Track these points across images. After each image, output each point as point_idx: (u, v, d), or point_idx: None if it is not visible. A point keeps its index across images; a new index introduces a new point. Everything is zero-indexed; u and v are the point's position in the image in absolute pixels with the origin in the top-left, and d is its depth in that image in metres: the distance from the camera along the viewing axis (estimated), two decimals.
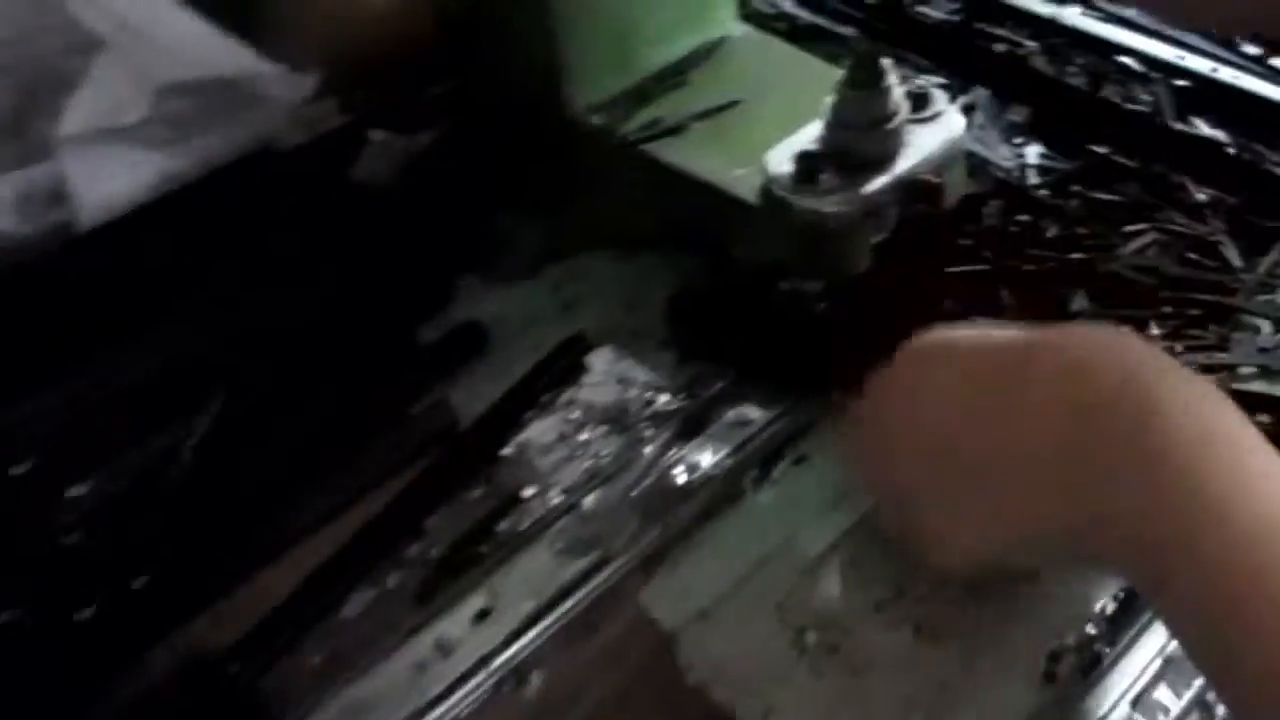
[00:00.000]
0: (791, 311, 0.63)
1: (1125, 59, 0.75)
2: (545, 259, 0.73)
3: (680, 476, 0.60)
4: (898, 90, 0.58)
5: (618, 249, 0.73)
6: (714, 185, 0.62)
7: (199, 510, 0.60)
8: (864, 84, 0.56)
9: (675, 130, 0.66)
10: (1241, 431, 0.37)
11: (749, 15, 0.76)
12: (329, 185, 0.74)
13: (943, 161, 0.59)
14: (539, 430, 0.64)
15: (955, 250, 0.65)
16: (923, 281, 0.64)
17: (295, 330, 0.67)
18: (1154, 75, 0.73)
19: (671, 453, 0.61)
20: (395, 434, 0.64)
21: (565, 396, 0.66)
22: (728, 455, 0.60)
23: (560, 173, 0.71)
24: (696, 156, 0.64)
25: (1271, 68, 0.72)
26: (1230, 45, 0.73)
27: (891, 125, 0.57)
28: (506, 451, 0.63)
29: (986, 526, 0.44)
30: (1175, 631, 0.38)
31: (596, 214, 0.71)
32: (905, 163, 0.58)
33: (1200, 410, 0.37)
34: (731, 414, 0.62)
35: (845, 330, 0.62)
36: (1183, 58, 0.72)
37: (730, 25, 0.73)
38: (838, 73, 0.57)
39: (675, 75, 0.69)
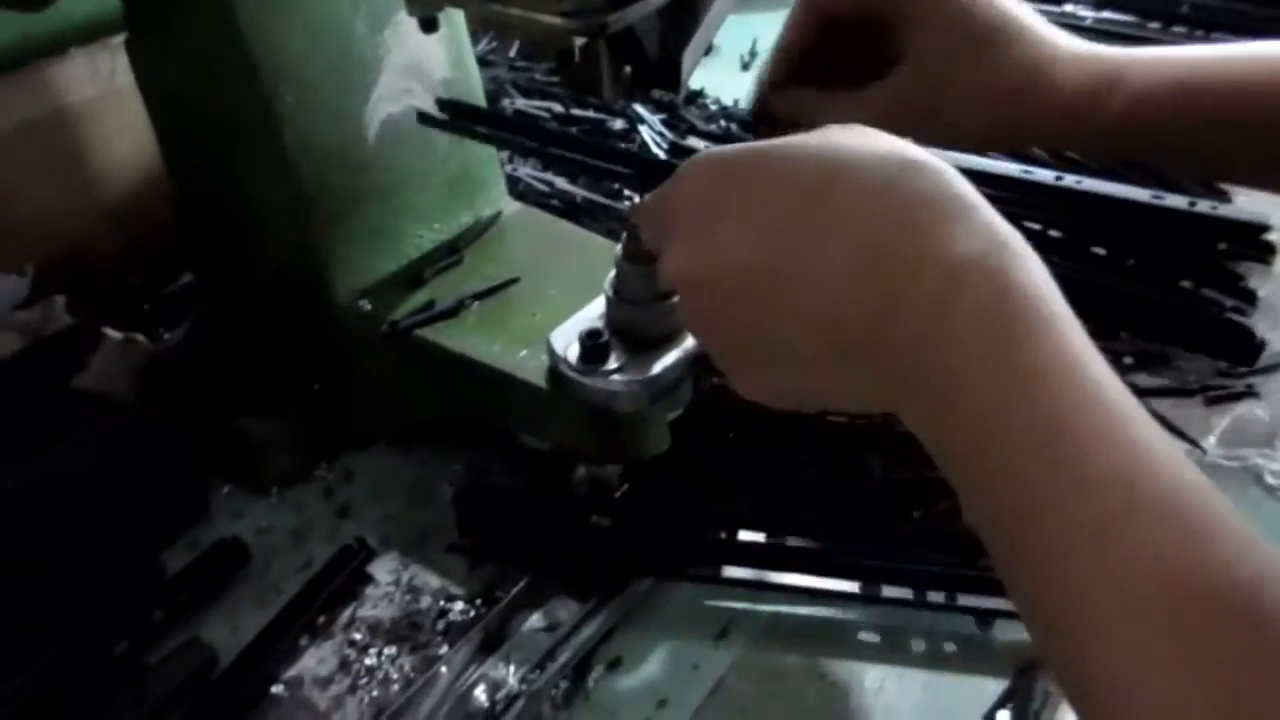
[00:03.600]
0: (590, 501, 0.59)
1: None
2: (314, 460, 0.66)
3: (483, 698, 0.53)
4: None
5: (396, 444, 0.67)
6: (497, 369, 0.58)
7: None
8: (645, 258, 0.54)
9: (452, 313, 0.61)
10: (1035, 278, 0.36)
11: (521, 195, 0.74)
12: (53, 393, 0.65)
13: None
14: (315, 659, 0.56)
15: (752, 425, 0.63)
16: (723, 458, 0.61)
17: (9, 569, 0.56)
18: None
19: (471, 670, 0.54)
20: (139, 683, 0.54)
21: (345, 615, 0.58)
22: (534, 668, 0.54)
23: (329, 365, 0.65)
24: (476, 340, 0.60)
25: None
26: None
27: (676, 299, 0.55)
28: (277, 690, 0.54)
29: (780, 377, 0.41)
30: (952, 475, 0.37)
31: (371, 407, 0.65)
32: (694, 337, 0.56)
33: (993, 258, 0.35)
34: (535, 619, 0.56)
35: (647, 518, 0.58)
36: None
37: (502, 202, 0.70)
38: (616, 247, 0.55)
39: (448, 255, 0.66)
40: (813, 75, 0.56)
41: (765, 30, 1.15)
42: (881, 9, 0.53)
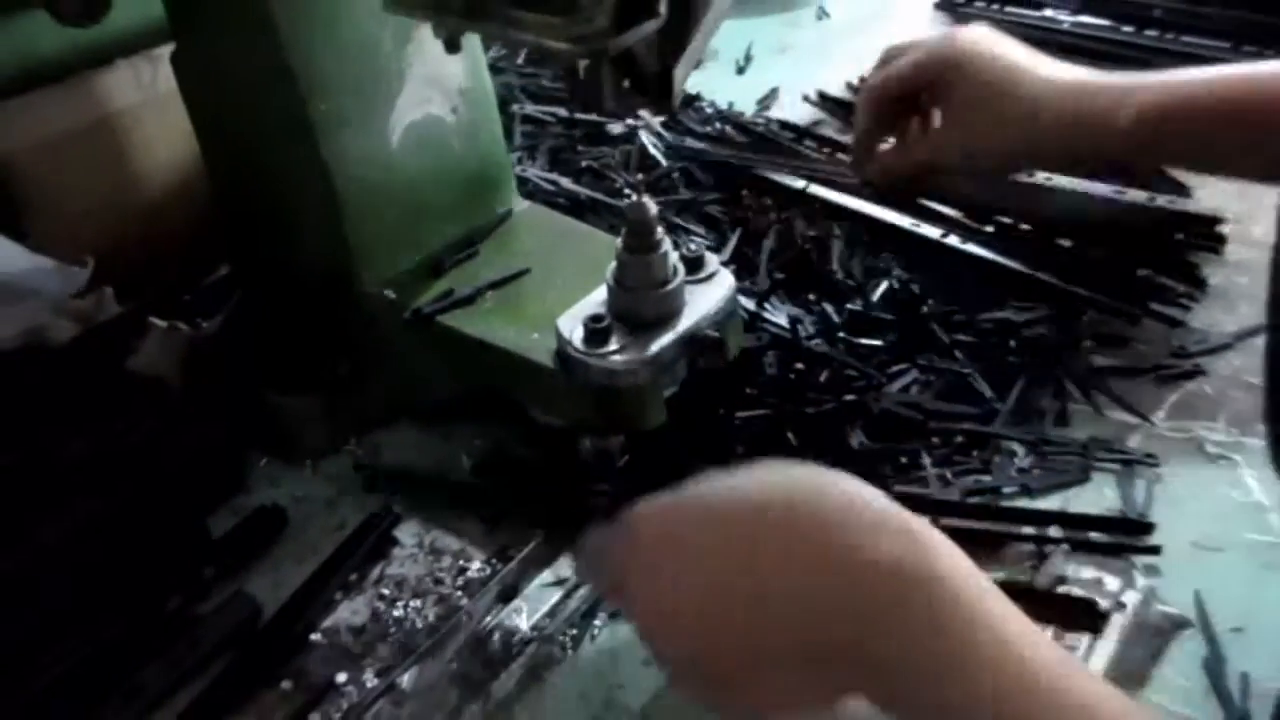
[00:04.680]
0: (595, 469, 0.65)
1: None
2: (344, 435, 0.73)
3: (499, 643, 0.60)
4: (674, 253, 0.62)
5: (418, 420, 0.73)
6: (510, 351, 0.64)
7: None
8: (641, 249, 0.60)
9: (469, 300, 0.68)
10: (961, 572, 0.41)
11: (530, 193, 0.81)
12: (108, 375, 0.71)
13: (721, 318, 0.64)
14: (350, 611, 0.62)
15: (741, 400, 0.69)
16: (715, 430, 0.67)
17: (75, 532, 0.63)
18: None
19: (489, 619, 0.61)
20: (192, 632, 0.60)
21: (375, 572, 0.65)
22: (545, 616, 0.60)
23: (357, 348, 0.72)
24: (491, 325, 0.66)
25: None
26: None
27: (671, 286, 0.61)
28: (315, 637, 0.61)
29: (742, 702, 0.44)
30: None
31: (395, 386, 0.72)
32: (687, 320, 0.62)
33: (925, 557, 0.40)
34: (545, 574, 0.63)
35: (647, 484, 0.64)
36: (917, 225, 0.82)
37: (513, 199, 0.76)
38: (616, 241, 0.61)
39: (465, 248, 0.72)
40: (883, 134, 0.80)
41: (760, 35, 1.22)
42: (922, 83, 0.75)
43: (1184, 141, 0.70)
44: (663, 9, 0.45)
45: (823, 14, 1.29)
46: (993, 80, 0.72)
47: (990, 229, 0.83)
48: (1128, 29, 1.15)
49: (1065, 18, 1.18)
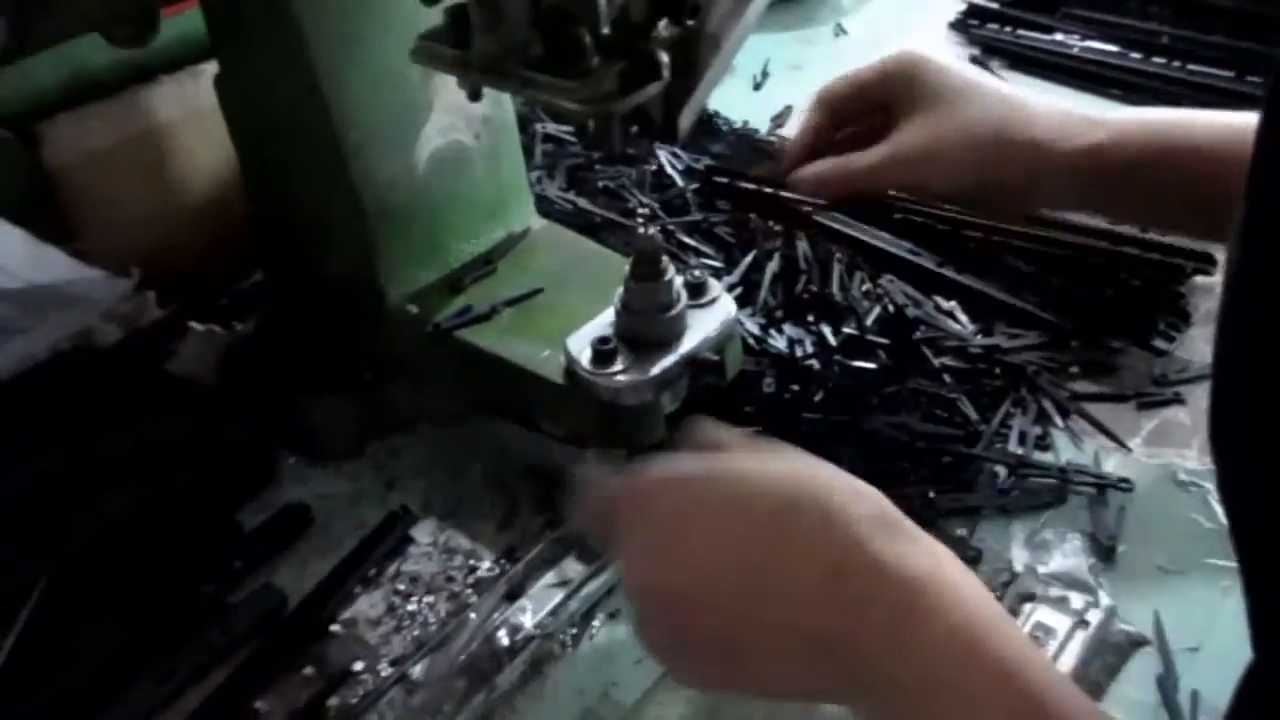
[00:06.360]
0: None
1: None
2: (366, 439, 0.78)
3: (504, 638, 0.64)
4: (678, 280, 0.66)
5: (436, 426, 0.78)
6: (522, 367, 0.69)
7: (16, 708, 0.59)
8: (647, 277, 0.64)
9: (486, 317, 0.72)
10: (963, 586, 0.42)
11: (547, 212, 0.85)
12: (149, 376, 0.77)
13: (721, 340, 0.68)
14: (368, 604, 0.67)
15: (739, 417, 0.73)
16: None
17: (117, 522, 0.68)
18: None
19: (495, 616, 0.65)
20: (222, 619, 0.65)
21: (392, 569, 0.69)
22: (547, 615, 0.65)
23: (380, 358, 0.76)
24: (506, 340, 0.71)
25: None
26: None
27: (674, 311, 0.66)
28: (335, 628, 0.66)
29: (736, 676, 0.45)
30: None
31: (415, 395, 0.77)
32: (689, 343, 0.66)
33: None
34: (550, 575, 0.68)
35: None
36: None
37: (530, 219, 0.81)
38: (626, 263, 0.66)
39: (484, 265, 0.76)
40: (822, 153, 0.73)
41: (776, 51, 1.25)
42: (878, 96, 0.70)
43: (1120, 186, 0.67)
44: (666, 72, 0.50)
45: (840, 31, 1.33)
46: (955, 91, 0.68)
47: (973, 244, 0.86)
48: (1135, 55, 1.18)
49: (1075, 43, 1.21)
